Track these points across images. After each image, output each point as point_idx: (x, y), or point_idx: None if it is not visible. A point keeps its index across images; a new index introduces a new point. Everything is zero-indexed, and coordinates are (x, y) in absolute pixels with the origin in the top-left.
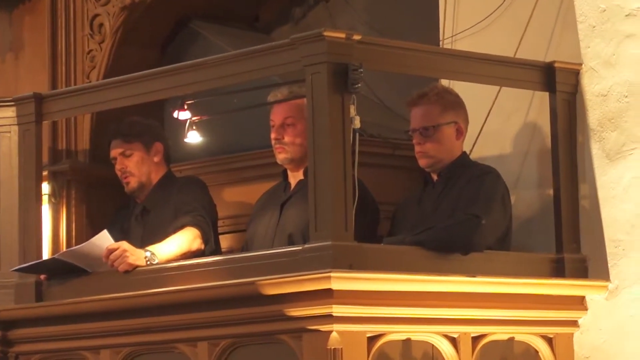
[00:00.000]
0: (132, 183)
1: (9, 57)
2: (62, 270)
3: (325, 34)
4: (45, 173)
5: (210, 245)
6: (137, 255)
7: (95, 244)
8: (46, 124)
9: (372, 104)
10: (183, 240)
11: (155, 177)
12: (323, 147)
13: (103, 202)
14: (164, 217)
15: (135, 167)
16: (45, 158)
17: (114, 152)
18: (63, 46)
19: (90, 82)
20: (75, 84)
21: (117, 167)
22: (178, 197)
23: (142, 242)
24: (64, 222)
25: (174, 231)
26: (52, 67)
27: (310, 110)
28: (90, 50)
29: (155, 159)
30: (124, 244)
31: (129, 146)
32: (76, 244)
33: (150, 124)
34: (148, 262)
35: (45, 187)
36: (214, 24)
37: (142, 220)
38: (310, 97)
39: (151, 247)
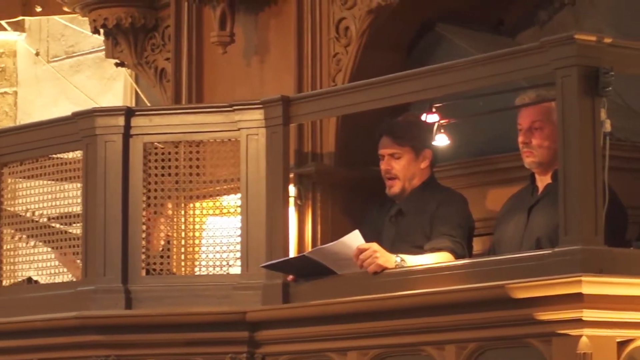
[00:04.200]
0: (395, 188)
1: (255, 60)
2: (308, 271)
3: (576, 36)
4: (291, 175)
5: None
6: (386, 258)
7: (346, 243)
8: (292, 127)
9: (619, 107)
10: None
11: (418, 182)
12: (573, 150)
13: (348, 205)
14: (418, 224)
15: (402, 170)
16: (291, 160)
17: (383, 151)
18: (309, 49)
19: (336, 85)
20: (320, 87)
21: (383, 166)
22: (438, 211)
23: (393, 244)
24: (309, 224)
25: (431, 251)
26: (297, 70)
27: (560, 114)
28: (336, 54)
29: (422, 165)
30: (375, 245)
31: (400, 149)
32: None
33: (423, 128)
34: (397, 267)
35: (292, 190)
36: (458, 27)
37: (395, 221)
38: (560, 101)
39: (403, 255)
